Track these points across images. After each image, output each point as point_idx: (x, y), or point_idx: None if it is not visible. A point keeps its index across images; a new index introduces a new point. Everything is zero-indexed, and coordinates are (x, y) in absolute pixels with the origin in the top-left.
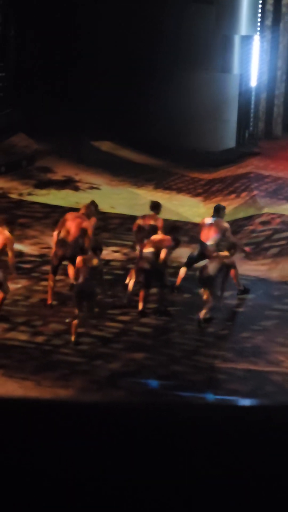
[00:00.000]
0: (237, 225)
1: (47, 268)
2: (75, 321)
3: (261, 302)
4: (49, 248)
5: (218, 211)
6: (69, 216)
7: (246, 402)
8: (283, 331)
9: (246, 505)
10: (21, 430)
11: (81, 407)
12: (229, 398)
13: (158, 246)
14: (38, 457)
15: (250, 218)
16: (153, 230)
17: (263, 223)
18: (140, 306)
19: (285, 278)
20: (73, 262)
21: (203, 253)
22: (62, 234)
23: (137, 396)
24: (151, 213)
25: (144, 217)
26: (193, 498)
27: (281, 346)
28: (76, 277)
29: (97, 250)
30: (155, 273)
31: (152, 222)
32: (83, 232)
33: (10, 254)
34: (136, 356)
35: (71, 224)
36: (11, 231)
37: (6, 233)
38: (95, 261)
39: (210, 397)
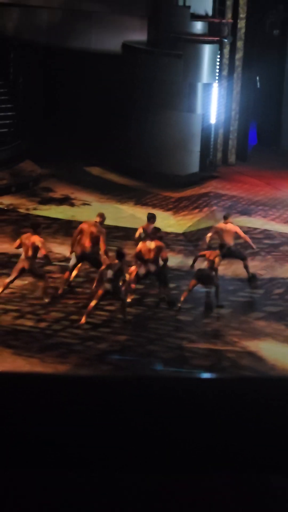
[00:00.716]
0: (201, 233)
1: (49, 268)
2: (91, 306)
3: (219, 295)
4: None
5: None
6: (85, 225)
7: (207, 375)
8: (237, 318)
9: (207, 467)
10: (27, 398)
11: (76, 379)
12: (194, 371)
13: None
14: (40, 420)
15: (210, 228)
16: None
17: None
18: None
19: (238, 276)
20: (92, 263)
21: (228, 253)
22: (79, 240)
23: (121, 370)
24: (148, 223)
25: (144, 226)
26: (168, 457)
27: (235, 330)
28: (100, 278)
29: (121, 256)
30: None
31: (148, 230)
32: (97, 239)
33: (43, 251)
34: (120, 338)
35: (87, 232)
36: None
37: (35, 237)
38: (117, 264)
39: (159, 367)
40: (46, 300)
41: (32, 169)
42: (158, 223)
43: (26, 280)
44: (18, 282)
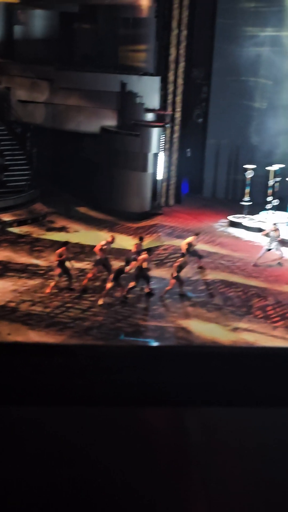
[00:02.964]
0: (152, 250)
1: (53, 273)
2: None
3: (163, 289)
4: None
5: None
6: (99, 245)
7: (155, 343)
8: (174, 305)
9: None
10: (34, 362)
11: (69, 347)
12: (145, 340)
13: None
14: (41, 375)
15: (157, 247)
16: (139, 252)
17: (164, 249)
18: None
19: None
20: (105, 267)
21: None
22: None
23: (100, 340)
24: (138, 242)
25: (136, 244)
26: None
27: (173, 313)
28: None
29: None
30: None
31: (139, 247)
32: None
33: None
34: (98, 319)
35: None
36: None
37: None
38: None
39: (123, 337)
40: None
41: (42, 208)
42: (124, 244)
43: (37, 281)
44: (31, 282)
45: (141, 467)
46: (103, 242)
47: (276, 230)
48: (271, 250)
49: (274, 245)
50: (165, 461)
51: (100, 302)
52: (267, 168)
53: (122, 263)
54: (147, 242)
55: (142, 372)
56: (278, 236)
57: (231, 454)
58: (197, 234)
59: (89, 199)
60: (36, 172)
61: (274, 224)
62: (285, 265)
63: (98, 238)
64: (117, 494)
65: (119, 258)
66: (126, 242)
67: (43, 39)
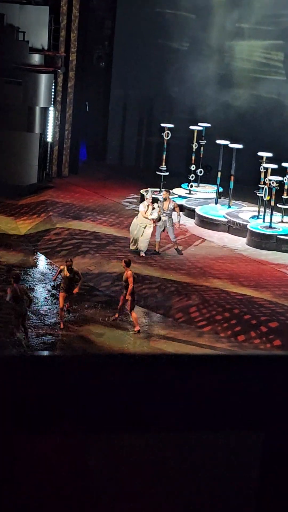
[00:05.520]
0: (39, 235)
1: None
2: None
3: (55, 286)
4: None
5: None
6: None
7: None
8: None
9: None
10: None
11: None
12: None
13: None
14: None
15: (47, 231)
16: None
17: (56, 234)
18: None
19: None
20: None
21: None
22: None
23: None
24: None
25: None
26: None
27: (66, 318)
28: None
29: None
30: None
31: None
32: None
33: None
34: None
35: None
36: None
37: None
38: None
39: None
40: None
41: None
42: (2, 226)
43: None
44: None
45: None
46: None
47: (171, 201)
48: (164, 230)
49: (168, 222)
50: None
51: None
52: (190, 127)
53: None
54: (35, 225)
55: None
56: (173, 208)
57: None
58: (168, 191)
59: None
60: None
61: (167, 191)
62: (208, 252)
63: None
64: None
65: None
66: (6, 225)
67: None
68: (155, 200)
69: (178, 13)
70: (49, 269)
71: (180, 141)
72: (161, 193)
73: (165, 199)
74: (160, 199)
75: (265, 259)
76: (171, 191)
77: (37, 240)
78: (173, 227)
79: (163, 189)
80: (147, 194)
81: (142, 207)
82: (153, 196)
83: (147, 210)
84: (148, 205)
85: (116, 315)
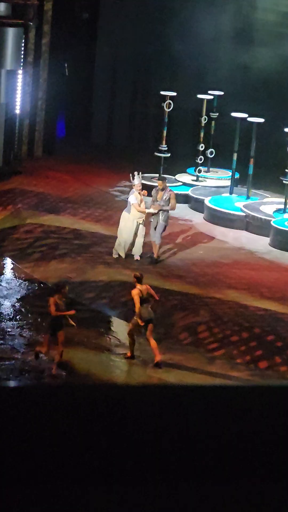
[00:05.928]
0: (5, 233)
1: None
2: None
3: (24, 299)
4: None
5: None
6: None
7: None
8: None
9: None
10: None
11: None
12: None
13: None
14: None
15: (15, 228)
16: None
17: (27, 232)
18: None
19: (47, 279)
20: None
21: None
22: None
23: None
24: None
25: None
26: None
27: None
28: None
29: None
30: None
31: None
32: None
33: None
34: None
35: None
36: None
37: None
38: None
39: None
40: None
41: None
42: None
43: None
44: None
45: None
46: None
47: (168, 190)
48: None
49: (161, 216)
50: None
51: None
52: (198, 96)
53: None
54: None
55: None
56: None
57: None
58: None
59: None
60: None
61: (163, 179)
62: (221, 256)
63: None
64: None
65: None
66: None
67: None
68: (150, 188)
69: None
70: (16, 277)
71: (185, 114)
72: (157, 181)
73: (162, 189)
74: (156, 187)
75: None
76: (174, 177)
77: (2, 240)
78: (166, 223)
79: (160, 176)
80: (134, 180)
81: (133, 198)
82: (143, 182)
83: (141, 201)
84: (140, 194)
85: (129, 354)
